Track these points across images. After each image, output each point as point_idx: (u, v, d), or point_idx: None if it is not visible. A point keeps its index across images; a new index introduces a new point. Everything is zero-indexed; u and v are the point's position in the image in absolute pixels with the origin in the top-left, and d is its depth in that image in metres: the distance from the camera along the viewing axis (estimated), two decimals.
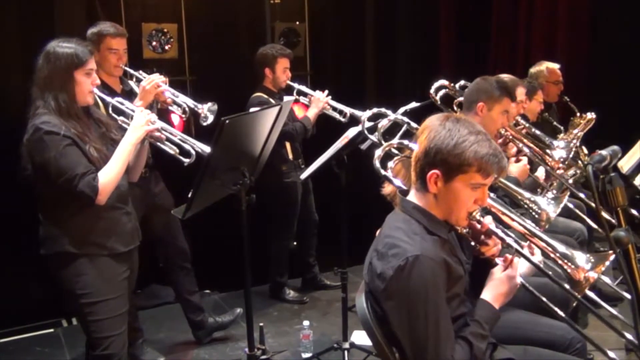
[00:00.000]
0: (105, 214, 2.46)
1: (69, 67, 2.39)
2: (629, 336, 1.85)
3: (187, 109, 3.18)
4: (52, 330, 3.96)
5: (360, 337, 3.52)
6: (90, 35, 3.21)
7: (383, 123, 2.80)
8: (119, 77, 3.34)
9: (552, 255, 1.99)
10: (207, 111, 3.12)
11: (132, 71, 3.31)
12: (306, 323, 3.56)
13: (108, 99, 2.69)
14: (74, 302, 2.47)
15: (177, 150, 2.63)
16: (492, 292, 1.88)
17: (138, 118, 2.53)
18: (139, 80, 3.27)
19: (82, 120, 2.43)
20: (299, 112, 4.14)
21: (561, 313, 1.97)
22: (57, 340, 3.85)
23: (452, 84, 3.53)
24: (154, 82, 3.12)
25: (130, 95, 3.28)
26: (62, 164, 2.31)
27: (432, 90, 3.45)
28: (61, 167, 2.31)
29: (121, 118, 2.69)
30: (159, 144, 2.63)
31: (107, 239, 2.47)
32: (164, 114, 3.38)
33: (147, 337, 3.63)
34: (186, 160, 2.60)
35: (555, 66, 4.75)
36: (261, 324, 3.31)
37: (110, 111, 2.72)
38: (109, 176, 2.38)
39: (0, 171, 3.53)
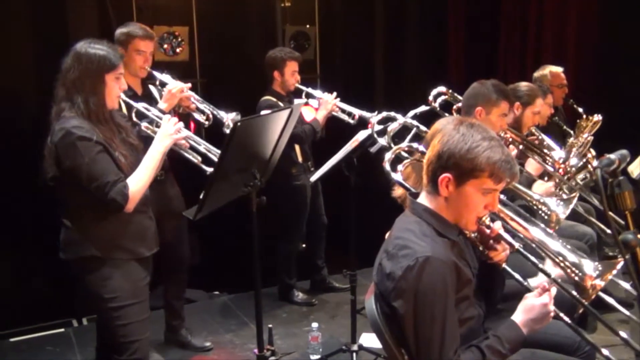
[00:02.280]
0: (133, 219, 2.45)
1: (101, 69, 2.36)
2: (636, 345, 1.85)
3: (210, 115, 3.19)
4: (62, 330, 3.99)
5: (368, 340, 3.53)
6: (119, 35, 3.23)
7: (393, 126, 2.81)
8: (141, 79, 3.36)
9: (559, 262, 1.99)
10: (230, 121, 3.10)
11: (157, 73, 3.32)
12: (315, 325, 3.58)
13: (133, 103, 2.71)
14: (101, 307, 2.44)
15: (200, 159, 2.65)
16: (523, 316, 1.87)
17: (167, 126, 2.52)
18: (162, 84, 3.29)
19: (109, 126, 2.41)
20: (308, 114, 4.15)
21: (566, 319, 1.97)
22: (68, 339, 3.87)
23: (449, 91, 3.53)
24: (180, 86, 3.14)
25: (149, 98, 3.30)
26: (94, 171, 2.29)
27: (430, 97, 3.46)
28: (93, 174, 2.29)
29: (145, 124, 2.71)
30: (182, 151, 2.64)
31: (134, 243, 2.47)
32: (183, 120, 3.41)
33: (155, 337, 3.64)
34: (209, 170, 2.61)
35: (559, 69, 4.74)
36: (270, 326, 3.32)
37: (134, 116, 2.74)
38: (139, 185, 2.38)
39: (17, 174, 3.58)
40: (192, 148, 2.67)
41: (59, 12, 4.04)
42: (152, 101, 3.24)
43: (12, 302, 3.86)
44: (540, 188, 3.16)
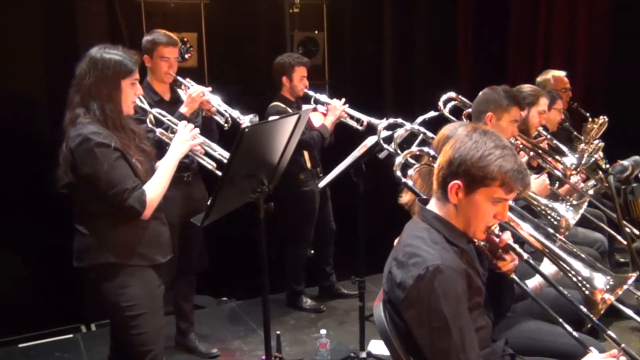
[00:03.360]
0: (149, 225, 2.44)
1: (117, 75, 2.36)
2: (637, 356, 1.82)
3: (229, 118, 3.25)
4: (71, 335, 4.00)
5: (377, 347, 3.51)
6: (145, 43, 3.36)
7: (399, 133, 2.80)
8: (169, 85, 3.44)
9: (570, 275, 1.95)
10: (248, 122, 3.17)
11: (181, 79, 3.41)
12: (323, 332, 3.56)
13: (148, 109, 2.72)
14: (118, 315, 2.42)
15: (215, 165, 2.65)
16: None
17: (183, 133, 2.53)
18: (187, 88, 3.37)
19: (126, 132, 2.40)
20: (316, 120, 4.15)
21: (575, 333, 1.94)
22: (77, 345, 3.88)
23: (459, 96, 3.52)
24: (200, 91, 3.22)
25: (177, 103, 3.36)
26: (113, 177, 2.28)
27: (440, 103, 3.45)
28: (111, 180, 2.28)
29: (160, 130, 2.72)
30: (197, 157, 2.65)
31: (150, 249, 2.46)
32: (206, 122, 3.44)
33: (169, 343, 3.64)
34: None
35: (562, 74, 4.71)
36: (278, 332, 3.31)
37: (148, 122, 2.75)
38: (156, 191, 2.38)
39: (29, 180, 3.59)
40: (207, 154, 2.67)
41: (69, 19, 4.07)
42: (180, 106, 3.28)
43: (20, 307, 3.87)
44: (534, 184, 3.11)
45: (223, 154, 2.67)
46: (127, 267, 2.39)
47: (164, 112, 2.77)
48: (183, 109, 3.18)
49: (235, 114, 3.24)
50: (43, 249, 3.82)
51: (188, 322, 3.70)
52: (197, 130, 2.61)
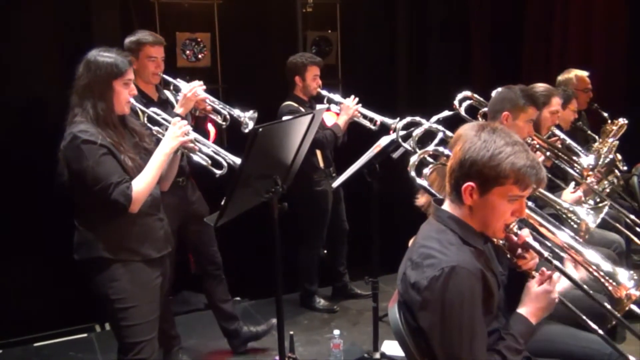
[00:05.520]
0: (139, 220, 2.49)
1: (109, 76, 2.43)
2: None
3: (227, 116, 3.21)
4: (85, 335, 4.02)
5: (391, 347, 3.49)
6: (129, 43, 3.25)
7: (417, 131, 2.78)
8: (155, 85, 3.38)
9: (593, 271, 1.93)
10: (248, 119, 3.16)
11: (169, 79, 3.35)
12: (336, 332, 3.54)
13: (144, 109, 2.75)
14: (108, 307, 2.50)
15: (210, 162, 2.66)
16: (528, 307, 1.85)
17: (173, 129, 2.56)
18: (176, 89, 3.31)
19: (118, 130, 2.48)
20: (329, 120, 4.13)
21: (596, 328, 1.91)
22: (91, 345, 3.90)
23: (475, 95, 3.49)
24: (194, 89, 3.16)
25: (166, 104, 3.33)
26: (98, 172, 2.35)
27: (456, 102, 3.42)
28: (97, 175, 2.35)
29: (156, 128, 2.73)
30: (191, 154, 2.66)
31: (140, 244, 2.50)
32: (200, 122, 3.42)
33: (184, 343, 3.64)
34: (218, 172, 2.64)
35: (584, 73, 4.66)
36: (291, 333, 3.30)
37: (146, 121, 2.76)
38: (142, 185, 2.42)
39: (36, 178, 3.61)
40: (202, 151, 2.67)
41: (83, 20, 4.09)
42: (169, 106, 3.26)
43: (35, 307, 3.90)
44: (569, 197, 3.09)
45: (217, 150, 2.66)
46: (117, 261, 2.46)
47: (159, 111, 2.78)
48: (178, 110, 3.14)
49: (235, 112, 3.20)
50: (58, 248, 3.84)
51: (232, 319, 3.65)
52: (189, 127, 2.62)
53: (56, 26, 4.06)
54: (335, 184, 3.47)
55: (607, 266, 1.91)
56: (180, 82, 3.31)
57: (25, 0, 3.96)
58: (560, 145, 3.64)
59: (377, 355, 3.37)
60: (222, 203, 2.46)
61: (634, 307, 2.18)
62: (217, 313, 3.67)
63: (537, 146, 3.29)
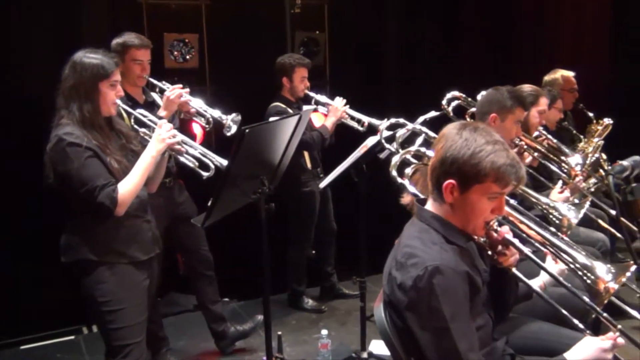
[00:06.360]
0: (126, 223, 2.49)
1: (95, 78, 2.42)
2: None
3: (210, 119, 3.20)
4: (72, 337, 4.00)
5: (378, 347, 3.50)
6: (115, 45, 3.24)
7: (401, 133, 2.80)
8: (141, 87, 3.37)
9: (571, 265, 1.96)
10: (231, 122, 3.15)
11: (155, 82, 3.34)
12: (324, 332, 3.55)
13: (130, 110, 2.75)
14: (95, 310, 2.49)
15: (197, 164, 2.66)
16: (578, 356, 1.83)
17: (160, 131, 2.55)
18: (161, 91, 3.30)
19: (104, 132, 2.47)
20: (317, 121, 4.14)
21: (581, 325, 1.94)
22: (78, 347, 3.88)
23: (463, 95, 3.51)
24: (177, 92, 3.16)
25: (152, 106, 3.32)
26: (84, 175, 2.35)
27: (444, 102, 3.44)
28: (82, 178, 2.35)
29: (143, 130, 2.73)
30: (179, 156, 2.66)
31: (127, 247, 2.50)
32: (185, 124, 3.42)
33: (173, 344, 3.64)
34: (205, 174, 2.64)
35: (570, 74, 4.71)
36: (279, 333, 3.31)
37: (133, 123, 2.76)
38: (128, 188, 2.42)
39: (24, 180, 3.59)
40: (189, 153, 2.68)
41: (72, 21, 4.08)
42: (155, 109, 3.25)
43: (22, 309, 3.88)
44: (556, 197, 3.12)
45: (205, 152, 2.67)
46: (103, 264, 2.45)
47: (145, 113, 2.78)
48: (162, 112, 3.14)
49: (217, 114, 3.18)
50: (44, 250, 3.82)
51: (220, 320, 3.65)
52: (175, 130, 2.62)
53: (45, 28, 4.04)
54: (323, 184, 3.48)
55: (584, 260, 1.94)
56: (165, 85, 3.30)
57: (13, 1, 3.94)
58: (547, 145, 3.67)
59: (365, 355, 3.39)
60: (209, 204, 2.47)
61: (620, 303, 2.23)
62: (207, 314, 3.67)
63: (526, 147, 3.32)
